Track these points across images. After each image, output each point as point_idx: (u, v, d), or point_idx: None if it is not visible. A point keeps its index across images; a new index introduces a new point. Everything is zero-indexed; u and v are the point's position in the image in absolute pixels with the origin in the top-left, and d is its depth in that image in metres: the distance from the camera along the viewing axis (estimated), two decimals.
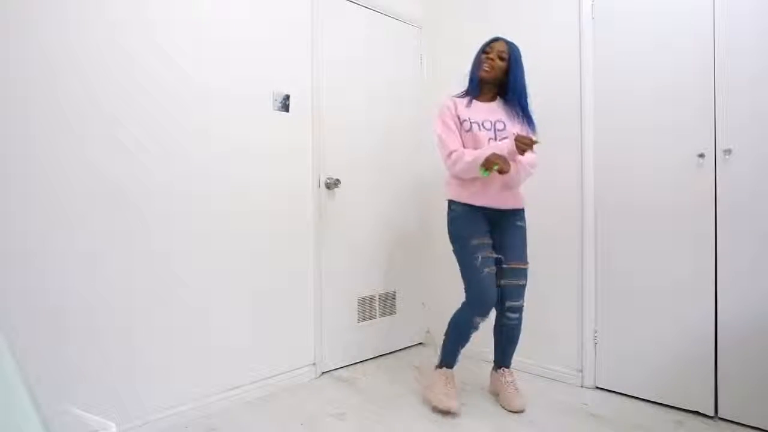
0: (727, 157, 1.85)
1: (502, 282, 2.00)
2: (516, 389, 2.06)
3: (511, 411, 2.01)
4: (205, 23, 1.97)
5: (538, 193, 2.37)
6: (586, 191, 2.23)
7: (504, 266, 2.00)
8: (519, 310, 2.01)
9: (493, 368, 2.20)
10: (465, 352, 2.07)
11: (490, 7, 2.61)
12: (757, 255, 1.79)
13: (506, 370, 2.12)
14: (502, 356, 2.13)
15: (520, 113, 2.01)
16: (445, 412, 1.96)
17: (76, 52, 1.64)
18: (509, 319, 2.02)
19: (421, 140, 2.86)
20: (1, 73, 1.50)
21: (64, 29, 1.61)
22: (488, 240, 2.00)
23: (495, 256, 2.00)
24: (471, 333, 2.02)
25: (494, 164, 1.79)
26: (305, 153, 2.33)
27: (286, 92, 2.24)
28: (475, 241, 1.97)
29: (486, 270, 1.94)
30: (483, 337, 2.41)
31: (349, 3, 2.52)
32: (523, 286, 2.01)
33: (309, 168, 2.35)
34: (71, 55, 1.63)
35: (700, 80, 1.91)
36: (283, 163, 2.25)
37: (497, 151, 1.84)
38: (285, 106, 2.24)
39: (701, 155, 1.90)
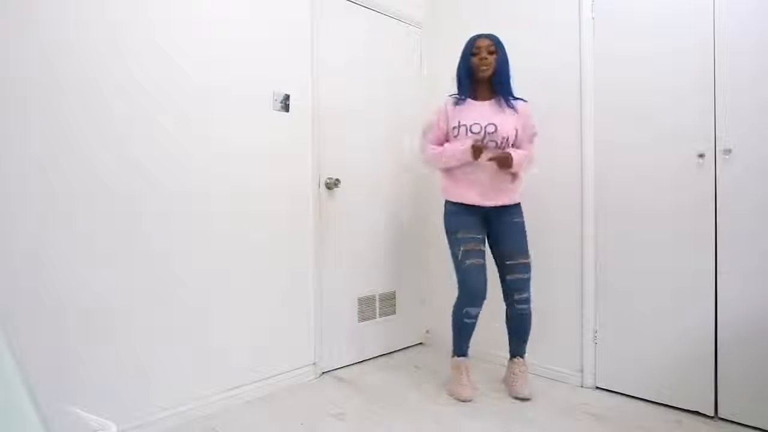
0: (727, 157, 1.85)
1: (509, 277, 2.10)
2: (525, 379, 2.14)
3: (515, 398, 2.10)
4: (204, 23, 1.97)
5: (538, 193, 2.38)
6: (586, 191, 2.23)
7: (508, 262, 2.09)
8: (527, 301, 2.10)
9: (509, 359, 2.26)
10: (474, 353, 2.06)
11: (490, 7, 2.61)
12: (757, 255, 1.79)
13: (518, 359, 2.19)
14: (514, 346, 2.20)
15: (511, 102, 2.08)
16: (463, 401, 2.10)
17: (76, 52, 1.64)
18: (519, 310, 2.10)
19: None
20: (1, 73, 1.50)
21: (64, 29, 1.61)
22: (475, 234, 2.08)
23: (481, 249, 2.09)
24: (467, 322, 2.12)
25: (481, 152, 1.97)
26: (305, 153, 2.33)
27: (286, 92, 2.24)
28: (459, 235, 2.08)
29: (468, 262, 2.04)
30: (493, 339, 2.40)
31: (349, 3, 2.52)
32: (528, 279, 2.10)
33: (309, 168, 2.35)
34: (71, 55, 1.63)
35: (700, 80, 1.91)
36: (283, 163, 2.25)
37: (457, 152, 2.03)
38: (285, 106, 2.24)
39: (701, 155, 1.90)
